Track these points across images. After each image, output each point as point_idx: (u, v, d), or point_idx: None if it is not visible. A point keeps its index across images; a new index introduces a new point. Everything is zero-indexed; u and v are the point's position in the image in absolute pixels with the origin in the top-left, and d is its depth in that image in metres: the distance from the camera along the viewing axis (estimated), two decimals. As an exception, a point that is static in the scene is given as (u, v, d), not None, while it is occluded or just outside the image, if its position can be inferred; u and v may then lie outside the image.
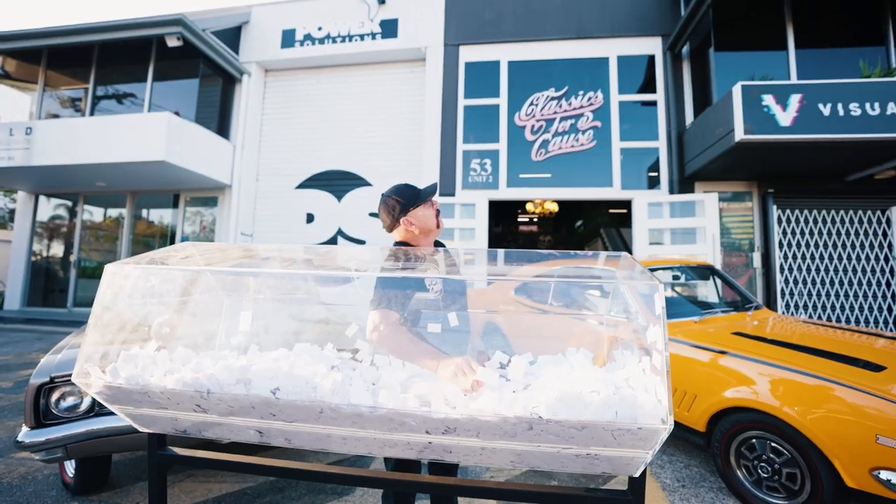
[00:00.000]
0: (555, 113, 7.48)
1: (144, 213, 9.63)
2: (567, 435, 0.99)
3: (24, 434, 1.95)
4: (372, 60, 8.65)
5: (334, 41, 8.46)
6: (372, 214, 8.47)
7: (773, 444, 2.24)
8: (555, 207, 10.18)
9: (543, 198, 7.72)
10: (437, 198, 7.54)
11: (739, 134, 5.13)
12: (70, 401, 2.03)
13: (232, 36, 8.75)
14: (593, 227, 11.75)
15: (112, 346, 1.06)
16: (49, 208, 10.02)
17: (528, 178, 7.55)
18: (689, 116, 7.07)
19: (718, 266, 6.32)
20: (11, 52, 8.41)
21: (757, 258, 6.77)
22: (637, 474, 1.10)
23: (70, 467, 2.35)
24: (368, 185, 8.61)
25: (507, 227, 13.15)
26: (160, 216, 9.56)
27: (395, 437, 1.09)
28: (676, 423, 2.75)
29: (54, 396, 2.01)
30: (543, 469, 1.29)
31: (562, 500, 1.23)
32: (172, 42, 7.19)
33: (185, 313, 1.16)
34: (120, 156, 7.00)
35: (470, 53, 7.96)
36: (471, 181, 7.75)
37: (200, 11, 8.34)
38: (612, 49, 7.50)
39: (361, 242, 8.51)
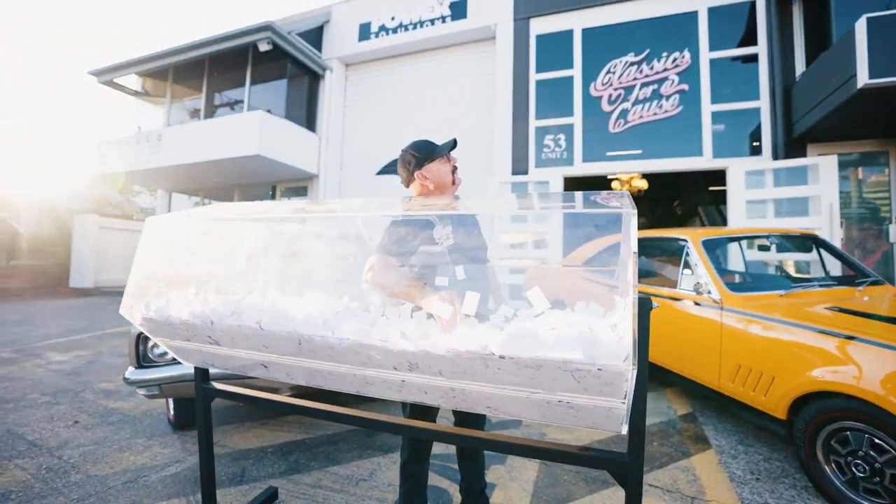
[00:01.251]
0: (634, 80, 6.91)
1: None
2: (526, 376, 0.97)
3: (129, 372, 2.38)
4: (442, 44, 8.73)
5: (406, 29, 8.67)
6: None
7: (873, 439, 1.85)
8: (643, 185, 9.45)
9: (622, 171, 7.23)
10: (508, 177, 7.45)
11: (863, 78, 4.31)
12: (161, 348, 2.42)
13: (316, 35, 9.40)
14: (691, 204, 10.69)
15: (150, 286, 1.28)
16: (182, 204, 11.78)
17: (605, 151, 7.11)
18: (800, 68, 6.08)
19: (838, 241, 5.41)
20: (149, 73, 9.93)
21: (894, 231, 5.68)
22: (623, 431, 1.04)
23: (171, 405, 2.81)
24: (442, 168, 8.75)
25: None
26: (262, 207, 10.72)
27: (370, 373, 1.15)
28: (752, 409, 2.47)
29: (149, 343, 2.42)
30: (533, 420, 1.27)
31: (557, 455, 1.21)
32: (263, 47, 7.95)
33: (208, 260, 1.34)
34: (223, 153, 7.97)
35: (541, 25, 7.64)
36: (544, 158, 7.52)
37: (288, 17, 9.07)
38: (700, 1, 6.69)
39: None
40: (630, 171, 7.13)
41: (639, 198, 11.00)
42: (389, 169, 1.61)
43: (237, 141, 7.92)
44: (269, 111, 8.64)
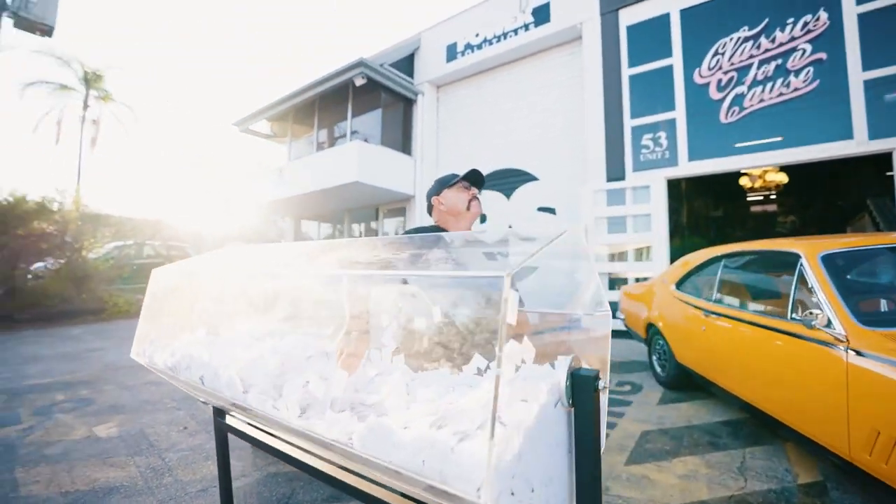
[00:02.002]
0: (750, 58, 5.84)
1: (356, 227, 11.80)
2: (390, 478, 0.79)
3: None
4: (527, 53, 8.49)
5: (490, 43, 8.64)
6: (541, 209, 8.30)
7: None
8: (781, 178, 7.91)
9: (741, 167, 6.12)
10: (602, 183, 6.88)
11: None
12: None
13: (408, 63, 9.91)
14: (857, 197, 8.58)
15: (154, 331, 1.42)
16: (310, 228, 13.34)
17: (717, 146, 6.12)
18: None
19: None
20: (275, 117, 11.51)
21: None
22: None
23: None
24: (534, 179, 8.46)
25: (732, 207, 10.62)
26: (367, 228, 11.54)
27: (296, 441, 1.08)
28: (880, 483, 1.80)
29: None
30: None
31: None
32: (359, 81, 8.62)
33: (180, 310, 1.43)
34: (329, 182, 8.79)
35: (631, 15, 6.95)
36: (643, 160, 6.77)
37: (382, 51, 9.73)
38: (839, -53, 5.40)
39: (532, 241, 8.40)
40: (748, 165, 6.01)
41: (783, 193, 9.24)
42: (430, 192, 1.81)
43: (339, 170, 8.67)
44: (366, 140, 9.32)
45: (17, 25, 11.14)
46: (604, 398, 0.86)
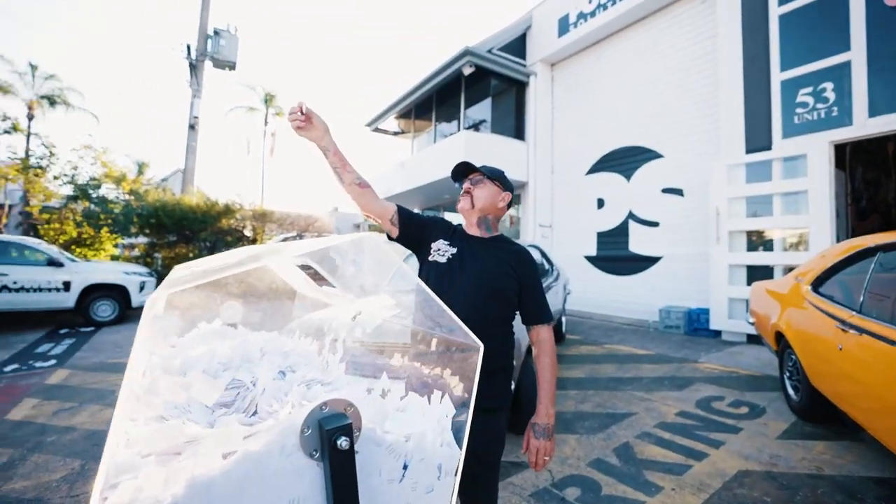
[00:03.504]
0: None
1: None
2: None
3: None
4: (649, 11, 7.39)
5: (605, 8, 7.75)
6: (666, 190, 7.27)
7: None
8: None
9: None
10: (740, 156, 5.86)
11: None
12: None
13: (519, 44, 9.54)
14: None
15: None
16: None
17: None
18: None
19: None
20: (400, 114, 12.34)
21: None
22: None
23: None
24: (659, 156, 7.41)
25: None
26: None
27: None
28: None
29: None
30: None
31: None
32: (467, 70, 8.63)
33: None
34: (440, 173, 9.06)
35: (783, -63, 5.46)
36: (798, 122, 5.35)
37: (492, 36, 9.53)
38: None
39: (654, 225, 7.44)
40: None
41: None
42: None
43: (449, 161, 8.85)
44: (476, 128, 9.32)
45: (215, 66, 14.07)
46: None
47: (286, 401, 0.74)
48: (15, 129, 9.76)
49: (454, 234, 1.43)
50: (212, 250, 11.51)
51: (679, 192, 7.06)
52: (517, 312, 1.39)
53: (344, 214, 24.22)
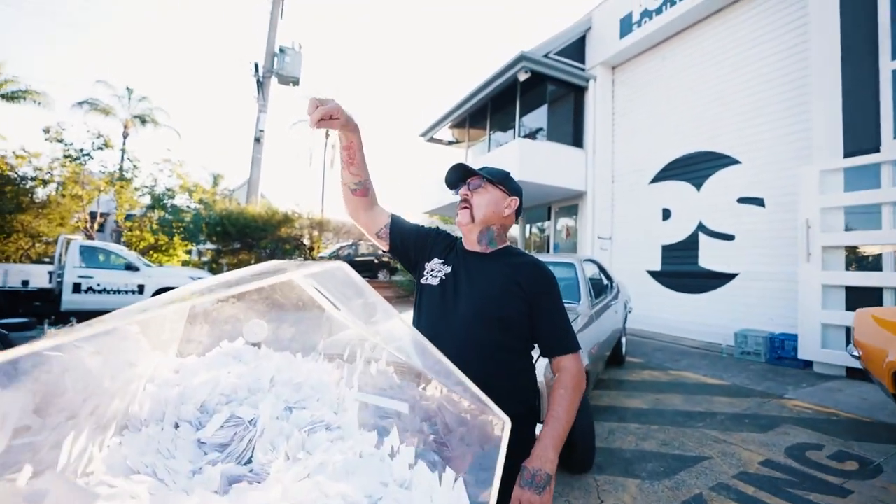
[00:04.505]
0: None
1: (530, 226, 11.56)
2: None
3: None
4: (726, 2, 6.75)
5: (673, 3, 7.20)
6: (744, 200, 6.56)
7: None
8: None
9: None
10: (837, 160, 5.14)
11: None
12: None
13: (577, 47, 9.15)
14: None
15: None
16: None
17: None
18: None
19: None
20: (455, 123, 12.28)
21: None
22: None
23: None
24: (735, 162, 6.72)
25: None
26: (541, 227, 11.16)
27: None
28: None
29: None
30: None
31: None
32: (523, 76, 8.36)
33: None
34: (492, 183, 8.81)
35: None
36: (914, 119, 4.58)
37: (549, 40, 9.21)
38: None
39: (729, 238, 6.73)
40: None
41: None
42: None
43: (503, 168, 8.60)
44: (534, 136, 9.00)
45: (280, 82, 14.84)
46: None
47: (283, 449, 0.60)
48: (106, 145, 10.81)
49: (451, 250, 1.23)
50: (271, 258, 12.02)
51: (759, 201, 6.32)
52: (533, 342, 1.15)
53: (399, 224, 24.58)
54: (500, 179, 1.21)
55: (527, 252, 1.23)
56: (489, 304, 1.08)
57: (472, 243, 1.21)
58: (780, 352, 5.46)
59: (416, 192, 13.13)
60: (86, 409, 0.58)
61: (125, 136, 19.50)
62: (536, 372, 1.23)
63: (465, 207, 1.18)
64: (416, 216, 15.01)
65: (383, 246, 1.24)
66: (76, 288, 7.29)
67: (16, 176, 9.82)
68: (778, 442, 2.99)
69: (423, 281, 1.19)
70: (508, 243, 1.25)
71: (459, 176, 1.23)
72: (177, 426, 0.68)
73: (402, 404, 0.76)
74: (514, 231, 11.81)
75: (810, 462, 2.69)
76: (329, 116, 0.99)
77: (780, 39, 6.09)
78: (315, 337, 0.91)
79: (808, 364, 5.19)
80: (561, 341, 1.09)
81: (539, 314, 1.10)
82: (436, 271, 1.17)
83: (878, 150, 4.80)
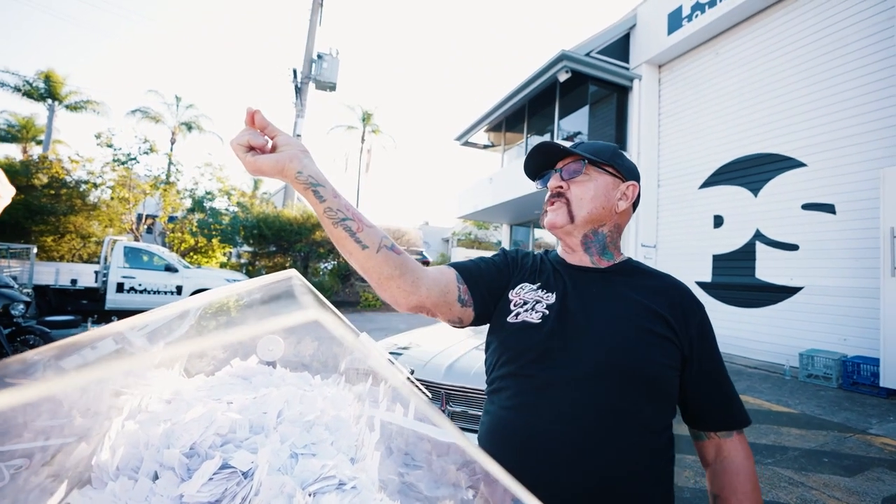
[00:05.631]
0: None
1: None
2: None
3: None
4: (789, -9, 6.20)
5: (730, -7, 6.69)
6: (809, 206, 5.97)
7: None
8: None
9: None
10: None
11: None
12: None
13: (621, 46, 8.71)
14: None
15: None
16: (521, 233, 13.51)
17: None
18: None
19: None
20: (491, 126, 12.04)
21: None
22: None
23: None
24: (800, 165, 6.13)
25: None
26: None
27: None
28: None
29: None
30: None
31: None
32: (563, 76, 8.02)
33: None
34: (529, 187, 8.49)
35: None
36: None
37: (591, 38, 8.82)
38: None
39: (792, 248, 6.13)
40: None
41: None
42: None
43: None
44: (571, 139, 8.61)
45: (317, 87, 15.07)
46: None
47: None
48: (152, 150, 11.24)
49: (542, 269, 0.84)
50: (305, 260, 12.12)
51: (829, 208, 5.71)
52: (676, 407, 0.78)
53: (433, 228, 24.54)
54: (608, 158, 0.82)
55: (656, 269, 0.85)
56: (628, 354, 0.70)
57: (575, 254, 0.84)
58: (856, 377, 4.85)
59: (450, 196, 12.94)
60: (40, 455, 0.43)
61: (172, 142, 20.41)
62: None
63: (561, 202, 0.81)
64: (451, 221, 14.72)
65: (467, 317, 0.78)
66: (119, 287, 7.51)
67: (71, 180, 10.34)
68: (870, 490, 2.54)
69: (509, 320, 0.78)
70: (624, 255, 0.87)
71: (546, 160, 0.86)
72: (156, 476, 0.47)
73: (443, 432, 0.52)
74: (549, 238, 11.41)
75: (918, 520, 2.25)
76: (260, 147, 0.63)
77: (859, 26, 5.49)
78: (338, 354, 0.72)
79: (892, 393, 4.57)
80: (729, 410, 0.77)
81: (694, 367, 0.75)
82: (531, 302, 0.78)
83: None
